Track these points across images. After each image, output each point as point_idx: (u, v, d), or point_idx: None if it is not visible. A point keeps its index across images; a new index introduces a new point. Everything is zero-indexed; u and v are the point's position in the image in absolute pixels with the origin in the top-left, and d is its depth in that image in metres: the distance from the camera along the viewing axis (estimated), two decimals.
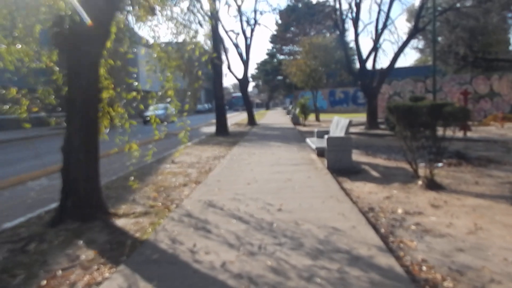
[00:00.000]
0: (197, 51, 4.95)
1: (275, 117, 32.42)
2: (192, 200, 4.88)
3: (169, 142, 5.13)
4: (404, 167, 7.08)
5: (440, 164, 6.85)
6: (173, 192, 5.57)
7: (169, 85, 5.00)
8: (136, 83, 5.70)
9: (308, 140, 9.03)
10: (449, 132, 5.51)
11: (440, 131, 5.49)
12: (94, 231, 3.71)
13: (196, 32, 4.97)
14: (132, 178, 4.58)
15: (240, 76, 23.57)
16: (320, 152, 8.01)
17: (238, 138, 13.98)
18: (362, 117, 22.10)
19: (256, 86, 72.51)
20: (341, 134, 7.41)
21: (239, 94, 70.39)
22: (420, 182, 5.54)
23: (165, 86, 5.13)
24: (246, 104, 24.64)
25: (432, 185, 5.40)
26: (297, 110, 22.59)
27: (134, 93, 5.33)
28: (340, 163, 6.96)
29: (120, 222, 4.01)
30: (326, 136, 7.15)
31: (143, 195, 5.41)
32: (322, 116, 26.75)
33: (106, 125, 4.95)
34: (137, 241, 3.44)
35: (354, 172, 6.83)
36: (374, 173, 6.73)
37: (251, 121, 23.16)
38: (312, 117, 24.87)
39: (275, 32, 51.29)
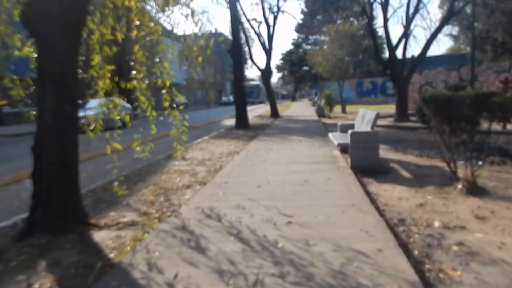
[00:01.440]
0: (202, 39, 4.21)
1: (300, 109, 31.40)
2: (190, 207, 4.23)
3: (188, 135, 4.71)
4: (438, 166, 6.17)
5: (479, 163, 5.87)
6: (173, 195, 4.94)
7: (165, 71, 4.31)
8: (134, 72, 5.10)
9: (330, 135, 8.16)
10: (492, 126, 4.63)
11: (484, 125, 4.63)
12: (64, 249, 3.11)
13: (193, 11, 4.21)
14: (116, 183, 3.96)
15: (263, 66, 22.70)
16: (344, 149, 7.15)
17: (258, 132, 13.27)
18: (391, 108, 20.78)
19: (282, 77, 71.27)
20: (367, 128, 6.52)
21: (253, 82, 65.95)
22: (459, 186, 4.63)
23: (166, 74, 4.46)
24: (269, 95, 23.76)
25: (474, 189, 4.50)
26: (322, 102, 21.56)
27: (134, 82, 4.76)
28: (366, 161, 6.11)
29: (98, 236, 3.40)
30: (350, 131, 6.30)
31: (139, 199, 4.81)
32: (349, 108, 25.48)
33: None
34: (108, 264, 2.81)
35: (381, 172, 5.97)
36: (405, 173, 5.85)
37: (274, 113, 22.33)
38: (338, 108, 23.73)
39: (300, 21, 49.73)
